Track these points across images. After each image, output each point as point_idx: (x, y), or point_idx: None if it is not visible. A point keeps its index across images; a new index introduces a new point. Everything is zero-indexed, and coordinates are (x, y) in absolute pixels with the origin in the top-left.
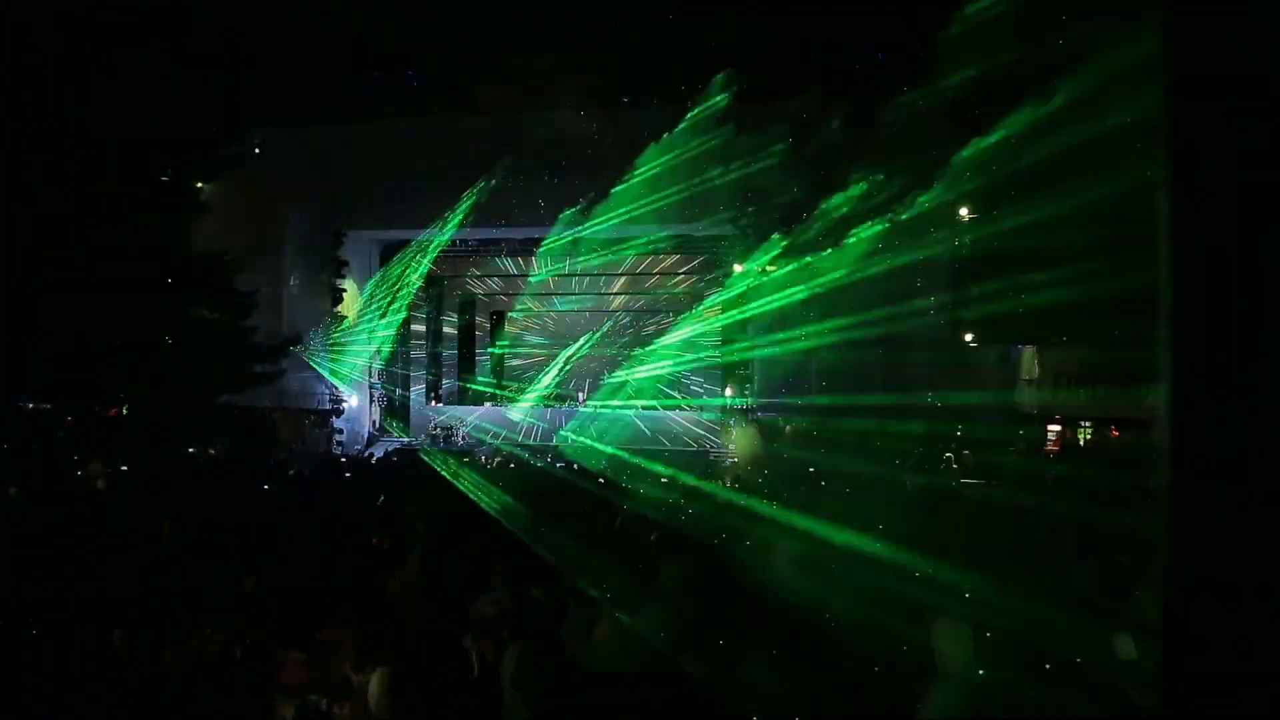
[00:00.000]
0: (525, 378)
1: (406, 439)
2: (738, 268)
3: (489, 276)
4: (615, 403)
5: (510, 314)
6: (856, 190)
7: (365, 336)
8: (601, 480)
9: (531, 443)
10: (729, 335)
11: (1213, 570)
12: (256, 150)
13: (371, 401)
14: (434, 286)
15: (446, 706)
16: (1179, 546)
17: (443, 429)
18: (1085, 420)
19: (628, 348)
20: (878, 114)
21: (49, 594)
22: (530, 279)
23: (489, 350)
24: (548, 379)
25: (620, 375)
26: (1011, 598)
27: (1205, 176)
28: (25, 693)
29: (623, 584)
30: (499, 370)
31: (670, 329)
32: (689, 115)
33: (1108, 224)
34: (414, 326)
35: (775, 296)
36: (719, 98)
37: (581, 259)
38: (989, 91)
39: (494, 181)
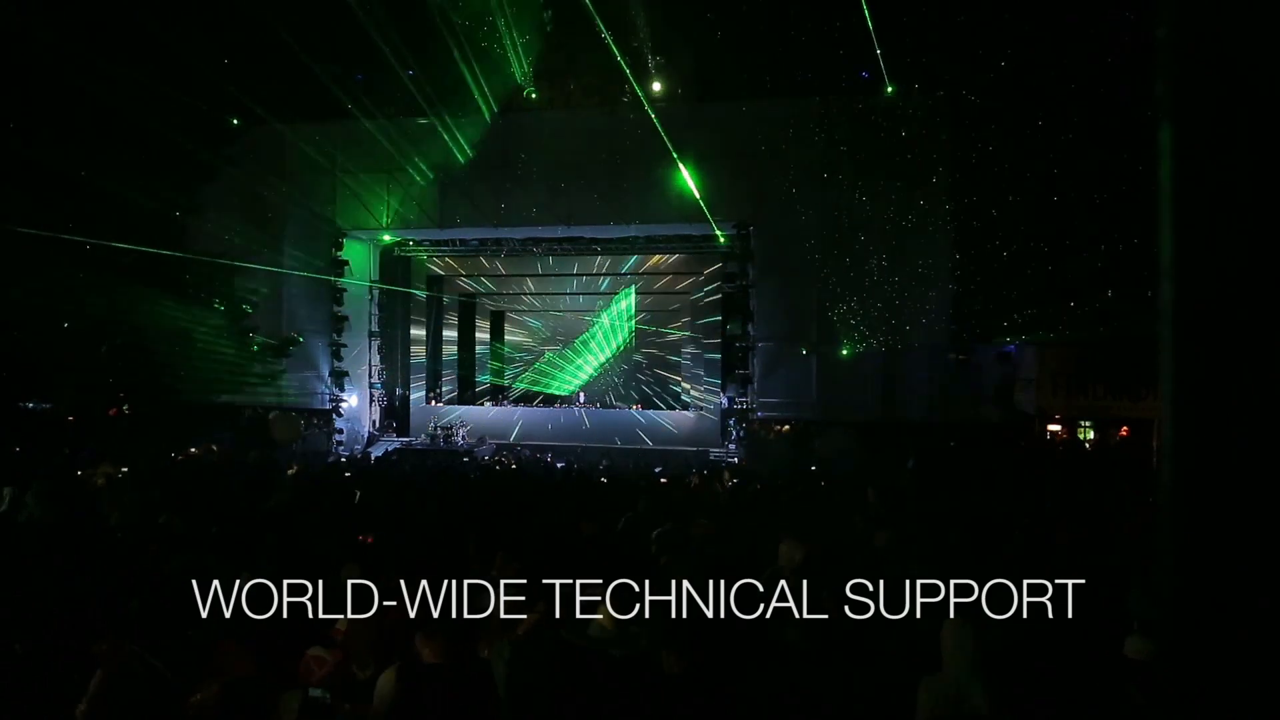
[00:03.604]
0: (525, 378)
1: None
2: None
3: (490, 276)
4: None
5: (510, 314)
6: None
7: None
8: (603, 480)
9: (532, 442)
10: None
11: (1213, 570)
12: (255, 150)
13: (371, 401)
14: (434, 286)
15: (452, 704)
16: (1179, 546)
17: (443, 429)
18: (1085, 420)
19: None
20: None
21: (50, 597)
22: (531, 279)
23: (489, 350)
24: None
25: None
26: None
27: (1205, 177)
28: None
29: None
30: (499, 370)
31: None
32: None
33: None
34: (413, 330)
35: None
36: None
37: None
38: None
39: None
